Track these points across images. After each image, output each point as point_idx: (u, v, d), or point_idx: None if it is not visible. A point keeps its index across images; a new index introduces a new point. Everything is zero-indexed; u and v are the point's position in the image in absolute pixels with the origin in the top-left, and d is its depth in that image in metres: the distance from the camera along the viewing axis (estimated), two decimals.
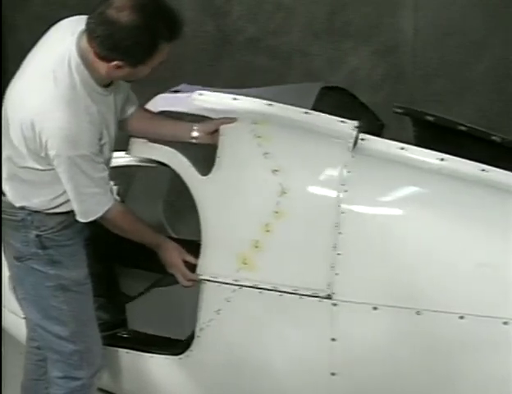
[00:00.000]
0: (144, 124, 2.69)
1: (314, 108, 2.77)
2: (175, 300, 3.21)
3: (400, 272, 2.47)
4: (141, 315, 3.18)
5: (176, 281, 2.72)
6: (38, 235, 2.53)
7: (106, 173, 2.48)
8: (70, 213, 2.51)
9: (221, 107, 2.70)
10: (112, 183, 2.64)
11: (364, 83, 4.88)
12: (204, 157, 2.66)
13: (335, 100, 3.14)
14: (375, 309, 2.47)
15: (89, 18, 2.33)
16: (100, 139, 2.43)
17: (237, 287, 2.59)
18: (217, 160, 2.60)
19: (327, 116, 2.63)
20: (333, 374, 2.58)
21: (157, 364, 2.86)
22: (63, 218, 2.55)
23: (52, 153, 2.36)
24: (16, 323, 3.03)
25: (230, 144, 2.60)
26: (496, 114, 4.74)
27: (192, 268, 2.66)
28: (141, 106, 2.73)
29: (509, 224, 2.42)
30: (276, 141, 2.59)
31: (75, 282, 2.61)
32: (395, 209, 2.52)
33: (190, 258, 2.67)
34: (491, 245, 2.44)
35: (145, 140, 2.71)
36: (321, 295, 2.51)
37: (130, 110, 2.65)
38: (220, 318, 2.64)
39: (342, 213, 2.48)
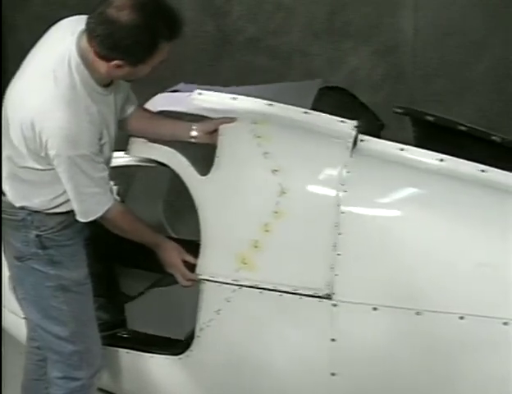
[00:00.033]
0: (143, 123, 2.68)
1: (314, 108, 2.77)
2: (173, 300, 3.21)
3: (400, 273, 2.47)
4: (140, 315, 3.18)
5: (175, 281, 2.72)
6: (38, 235, 2.53)
7: (106, 173, 2.48)
8: (71, 212, 2.51)
9: (220, 107, 2.71)
10: (111, 183, 2.64)
11: (364, 83, 4.89)
12: (203, 156, 2.66)
13: (335, 100, 3.14)
14: (375, 309, 2.47)
15: (89, 17, 2.33)
16: (100, 139, 2.43)
17: (237, 287, 2.59)
18: (217, 160, 2.60)
19: (327, 115, 2.63)
20: (333, 374, 2.58)
21: (157, 364, 2.86)
22: (63, 218, 2.55)
23: (52, 152, 2.36)
24: (16, 323, 3.03)
25: (229, 144, 2.60)
26: (495, 114, 4.74)
27: (191, 267, 2.66)
28: (140, 105, 2.73)
29: (509, 224, 2.42)
30: (276, 141, 2.59)
31: (76, 283, 2.60)
32: (395, 210, 2.52)
33: (190, 258, 2.67)
34: (490, 245, 2.44)
35: (144, 140, 2.71)
36: (321, 295, 2.51)
37: (130, 110, 2.65)
38: (220, 318, 2.64)
39: (342, 213, 2.48)
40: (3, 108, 2.47)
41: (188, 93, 2.84)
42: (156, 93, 3.02)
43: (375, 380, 2.57)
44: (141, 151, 2.75)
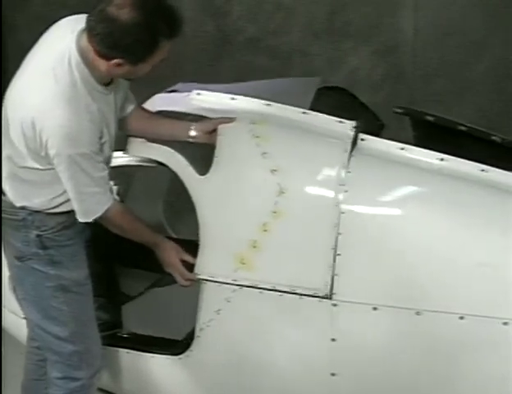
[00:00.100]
0: (142, 123, 2.68)
1: (314, 108, 2.76)
2: (169, 301, 3.21)
3: (400, 273, 2.46)
4: (138, 316, 3.18)
5: (174, 281, 2.72)
6: (38, 235, 2.53)
7: (106, 172, 2.48)
8: (71, 213, 2.51)
9: (219, 107, 2.70)
10: (111, 183, 2.64)
11: (364, 83, 4.89)
12: (202, 156, 2.66)
13: (334, 100, 3.14)
14: (375, 309, 2.47)
15: (89, 16, 2.33)
16: (100, 138, 2.43)
17: (237, 287, 2.59)
18: (215, 160, 2.60)
19: (325, 116, 2.63)
20: (333, 374, 2.58)
21: (158, 364, 2.86)
22: (64, 218, 2.54)
23: (52, 151, 2.36)
24: (16, 323, 3.03)
25: (228, 144, 2.60)
26: (495, 114, 4.74)
27: (190, 267, 2.66)
28: (139, 105, 2.73)
29: (509, 224, 2.42)
30: (275, 141, 2.58)
31: (76, 283, 2.60)
32: (395, 209, 2.51)
33: (188, 258, 2.67)
34: (491, 245, 2.44)
35: (143, 140, 2.71)
36: (320, 295, 2.51)
37: (129, 109, 2.65)
38: (220, 318, 2.64)
39: (342, 213, 2.48)
40: (3, 108, 2.47)
41: (186, 94, 2.84)
42: (155, 93, 3.02)
43: (375, 380, 2.57)
44: (140, 151, 2.75)
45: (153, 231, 2.72)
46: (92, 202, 2.47)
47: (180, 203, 2.98)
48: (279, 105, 2.66)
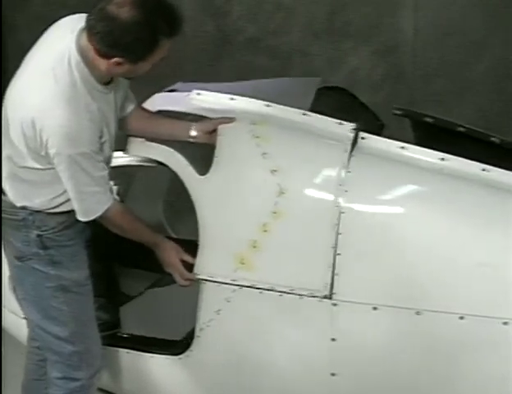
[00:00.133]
0: (142, 123, 2.68)
1: (314, 108, 2.77)
2: (168, 301, 3.22)
3: (400, 272, 2.46)
4: (135, 316, 3.17)
5: (174, 281, 2.72)
6: (39, 235, 2.53)
7: (106, 172, 2.48)
8: (71, 213, 2.51)
9: (218, 107, 2.70)
10: (111, 183, 2.64)
11: (364, 83, 4.89)
12: (202, 156, 2.66)
13: (334, 100, 3.14)
14: (375, 309, 2.47)
15: (89, 15, 2.33)
16: (100, 137, 2.43)
17: (237, 287, 2.59)
18: (215, 160, 2.60)
19: (325, 117, 2.63)
20: (333, 374, 2.58)
21: (157, 364, 2.86)
22: (64, 218, 2.54)
23: (52, 151, 2.36)
24: (16, 323, 3.03)
25: (228, 144, 2.60)
26: (495, 114, 4.74)
27: (190, 267, 2.66)
28: (139, 105, 2.72)
29: (510, 224, 2.42)
30: (275, 141, 2.59)
31: (76, 283, 2.60)
32: (395, 209, 2.52)
33: (188, 258, 2.67)
34: (491, 245, 2.44)
35: (143, 140, 2.71)
36: (320, 295, 2.51)
37: (129, 109, 2.65)
38: (220, 318, 2.64)
39: (342, 212, 2.48)
40: (3, 108, 2.47)
41: (186, 93, 2.84)
42: (155, 93, 3.02)
43: (375, 380, 2.57)
44: (140, 150, 2.75)
45: (153, 231, 2.72)
46: (92, 201, 2.47)
47: (180, 203, 2.98)
48: (279, 106, 2.66)
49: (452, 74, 4.86)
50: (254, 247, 2.54)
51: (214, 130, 2.63)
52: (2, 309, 3.07)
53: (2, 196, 2.55)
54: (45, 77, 2.34)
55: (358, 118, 2.65)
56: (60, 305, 2.58)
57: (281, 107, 2.66)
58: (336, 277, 2.49)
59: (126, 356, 2.91)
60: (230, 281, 2.58)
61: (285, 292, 2.55)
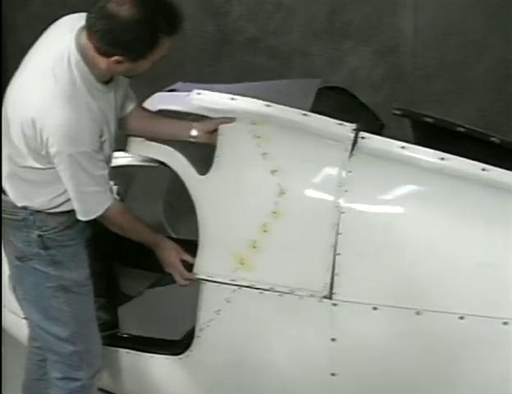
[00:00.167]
0: (142, 123, 2.68)
1: (314, 108, 2.77)
2: (167, 300, 3.22)
3: (400, 272, 2.46)
4: (134, 316, 3.17)
5: (174, 281, 2.72)
6: (40, 236, 2.53)
7: (106, 171, 2.48)
8: (72, 213, 2.50)
9: (219, 107, 2.70)
10: (111, 183, 2.64)
11: (364, 83, 4.89)
12: (202, 156, 2.66)
13: (335, 100, 3.14)
14: (375, 309, 2.47)
15: (88, 13, 2.32)
16: (101, 136, 2.43)
17: (237, 287, 2.59)
18: (216, 160, 2.60)
19: (326, 118, 2.63)
20: (333, 374, 2.58)
21: (157, 364, 2.86)
22: (65, 218, 2.54)
23: (52, 150, 2.35)
24: (16, 323, 3.03)
25: (229, 144, 2.60)
26: (495, 114, 4.74)
27: (190, 267, 2.66)
28: (139, 104, 2.72)
29: (510, 224, 2.42)
30: (275, 142, 2.59)
31: (77, 283, 2.60)
32: (395, 208, 2.52)
33: (188, 258, 2.67)
34: (491, 245, 2.44)
35: (143, 139, 2.71)
36: (320, 295, 2.51)
37: (129, 108, 2.65)
38: (220, 318, 2.64)
39: (342, 212, 2.48)
40: (3, 107, 2.47)
41: (186, 93, 2.84)
42: (155, 92, 3.01)
43: (375, 380, 2.57)
44: (141, 150, 2.75)
45: (153, 230, 2.72)
46: (92, 201, 2.47)
47: (180, 203, 2.98)
48: (279, 106, 2.66)
49: (452, 74, 4.86)
50: (254, 247, 2.54)
51: (215, 130, 2.63)
52: (2, 309, 3.07)
53: (3, 196, 2.55)
54: (45, 76, 2.34)
55: (358, 118, 2.65)
56: (60, 305, 2.58)
57: (282, 107, 2.66)
58: (335, 277, 2.49)
59: (126, 356, 2.91)
60: (230, 281, 2.58)
61: (284, 292, 2.55)
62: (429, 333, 2.46)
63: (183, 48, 4.49)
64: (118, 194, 3.17)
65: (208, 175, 2.61)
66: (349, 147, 2.54)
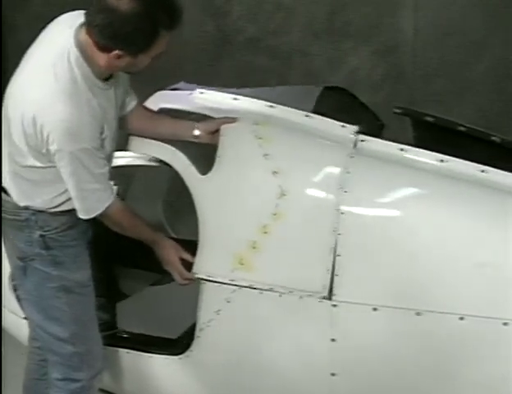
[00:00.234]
0: (143, 123, 2.68)
1: (314, 109, 2.77)
2: (165, 299, 3.22)
3: (400, 273, 2.46)
4: (133, 314, 3.17)
5: (173, 280, 2.72)
6: (42, 236, 2.53)
7: (106, 169, 2.47)
8: (74, 213, 2.50)
9: (221, 107, 2.70)
10: (111, 183, 2.64)
11: (364, 83, 4.88)
12: (203, 156, 2.66)
13: (335, 100, 3.14)
14: (375, 309, 2.47)
15: (87, 9, 2.31)
16: (101, 134, 2.42)
17: (237, 288, 2.59)
18: (217, 159, 2.60)
19: (328, 119, 2.63)
20: (333, 374, 2.58)
21: (157, 365, 2.86)
22: (67, 219, 2.54)
23: (53, 147, 2.35)
24: (16, 323, 3.03)
25: (230, 144, 2.60)
26: (495, 114, 4.73)
27: (190, 267, 2.66)
28: (141, 104, 2.72)
29: (509, 225, 2.42)
30: (277, 143, 2.59)
31: (78, 284, 2.60)
32: (395, 210, 2.51)
33: (187, 256, 2.67)
34: (490, 246, 2.44)
35: (144, 138, 2.71)
36: (320, 295, 2.51)
37: (130, 106, 2.64)
38: (220, 319, 2.64)
39: (342, 213, 2.48)
40: (4, 107, 2.46)
41: (189, 92, 2.84)
42: (155, 92, 3.01)
43: (375, 380, 2.57)
44: (142, 148, 2.75)
45: (153, 229, 2.72)
46: (93, 199, 2.46)
47: (179, 203, 2.98)
48: (282, 107, 2.66)
49: (452, 74, 4.86)
50: (254, 248, 2.54)
51: (217, 130, 2.62)
52: (2, 309, 3.07)
53: (5, 197, 2.54)
54: (46, 74, 2.33)
55: (359, 118, 2.65)
56: (61, 306, 2.58)
57: (284, 108, 2.66)
58: (335, 278, 2.49)
59: (126, 356, 2.91)
60: (229, 282, 2.58)
61: (284, 293, 2.54)
62: (429, 334, 2.46)
63: (183, 48, 4.50)
64: (118, 194, 3.17)
65: (209, 175, 2.61)
66: (351, 149, 2.55)
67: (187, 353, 2.74)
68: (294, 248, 2.53)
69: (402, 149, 2.58)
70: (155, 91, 3.01)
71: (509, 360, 2.40)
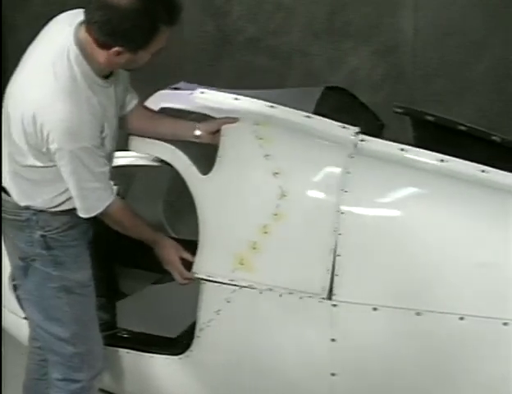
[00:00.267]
0: (144, 122, 2.68)
1: (315, 109, 2.77)
2: (164, 298, 3.22)
3: (400, 273, 2.46)
4: (132, 313, 3.17)
5: (173, 279, 2.72)
6: (43, 236, 2.53)
7: (107, 168, 2.47)
8: (75, 213, 2.50)
9: (222, 107, 2.70)
10: (112, 183, 2.64)
11: (364, 83, 4.88)
12: (204, 156, 2.66)
13: (335, 100, 3.14)
14: (375, 309, 2.47)
15: (86, 6, 2.30)
16: (101, 132, 2.41)
17: (237, 288, 2.59)
18: (218, 159, 2.60)
19: (329, 120, 2.63)
20: (333, 374, 2.58)
21: (157, 364, 2.86)
22: (68, 219, 2.54)
23: (53, 146, 2.34)
24: (16, 323, 3.03)
25: (231, 145, 2.60)
26: (495, 114, 4.73)
27: (190, 266, 2.66)
28: (141, 104, 2.71)
29: (509, 225, 2.42)
30: (278, 143, 2.59)
31: (79, 284, 2.60)
32: (395, 210, 2.51)
33: (187, 256, 2.67)
34: (490, 246, 2.44)
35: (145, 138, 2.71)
36: (320, 296, 2.51)
37: (130, 106, 2.64)
38: (220, 319, 2.64)
39: (342, 213, 2.48)
40: (4, 106, 2.46)
41: (190, 92, 2.84)
42: (155, 93, 3.01)
43: (375, 380, 2.57)
44: (143, 147, 2.75)
45: (153, 229, 2.72)
46: (93, 198, 2.46)
47: (180, 203, 2.98)
48: (283, 107, 2.66)
49: (452, 74, 4.86)
50: (254, 248, 2.54)
51: (218, 131, 2.62)
52: (2, 309, 3.07)
53: (6, 197, 2.54)
54: (45, 73, 2.33)
55: (359, 118, 2.65)
56: (62, 306, 2.58)
57: (285, 108, 2.66)
58: (335, 278, 2.50)
59: (126, 356, 2.91)
60: (229, 282, 2.58)
61: (284, 293, 2.54)
62: (429, 334, 2.46)
63: (183, 48, 4.49)
64: (118, 194, 3.17)
65: (210, 175, 2.61)
66: (351, 150, 2.55)
67: (187, 353, 2.74)
68: (295, 248, 2.53)
69: (402, 149, 2.58)
70: (155, 91, 3.01)
71: (509, 360, 2.40)
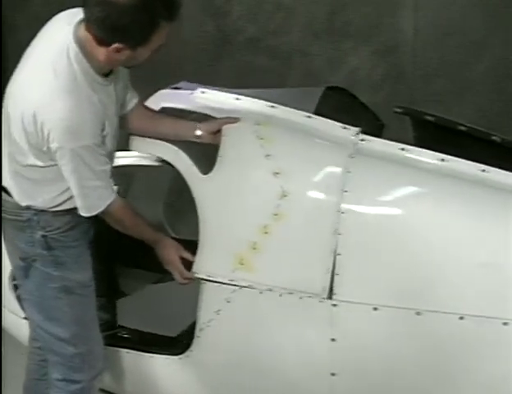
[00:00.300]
0: (144, 122, 2.67)
1: (316, 109, 2.77)
2: (163, 297, 3.22)
3: (400, 273, 2.47)
4: (132, 312, 3.18)
5: (173, 279, 2.72)
6: (43, 236, 2.52)
7: (108, 166, 2.46)
8: (76, 213, 2.49)
9: (223, 107, 2.70)
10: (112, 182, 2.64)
11: (364, 83, 4.88)
12: (205, 156, 2.66)
13: (335, 100, 3.14)
14: (375, 309, 2.47)
15: (86, 3, 2.29)
16: (102, 130, 2.41)
17: (237, 288, 2.59)
18: (219, 159, 2.60)
19: (330, 121, 2.64)
20: (333, 374, 2.58)
21: (157, 364, 2.86)
22: (69, 219, 2.54)
23: (54, 145, 2.34)
24: (16, 323, 3.03)
25: (232, 145, 2.60)
26: (495, 114, 4.73)
27: (190, 266, 2.66)
28: (141, 103, 2.71)
29: (510, 224, 2.42)
30: (279, 143, 2.59)
31: (80, 284, 2.60)
32: (395, 210, 2.52)
33: (188, 256, 2.67)
34: (491, 246, 2.44)
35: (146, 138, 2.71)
36: (321, 295, 2.51)
37: (131, 105, 2.64)
38: (220, 319, 2.64)
39: (342, 213, 2.48)
40: (4, 106, 2.46)
41: (190, 91, 2.84)
42: (155, 93, 3.01)
43: (375, 380, 2.57)
44: (143, 147, 2.75)
45: (154, 228, 2.72)
46: (94, 196, 2.46)
47: (180, 203, 2.98)
48: (284, 108, 2.66)
49: (452, 74, 4.85)
50: (254, 248, 2.55)
51: (219, 130, 2.62)
52: (2, 309, 3.07)
53: (6, 197, 2.54)
54: (45, 71, 2.32)
55: (359, 118, 2.65)
56: (63, 307, 2.58)
57: (286, 108, 2.66)
58: (336, 278, 2.50)
59: (126, 356, 2.91)
60: (229, 282, 2.58)
61: (284, 293, 2.54)
62: (429, 333, 2.47)
63: (183, 48, 4.49)
64: (118, 193, 3.17)
65: (211, 174, 2.61)
66: (352, 150, 2.55)
67: (187, 353, 2.74)
68: (295, 248, 2.53)
69: (403, 149, 2.58)
70: (156, 90, 3.01)
71: (509, 360, 2.40)
